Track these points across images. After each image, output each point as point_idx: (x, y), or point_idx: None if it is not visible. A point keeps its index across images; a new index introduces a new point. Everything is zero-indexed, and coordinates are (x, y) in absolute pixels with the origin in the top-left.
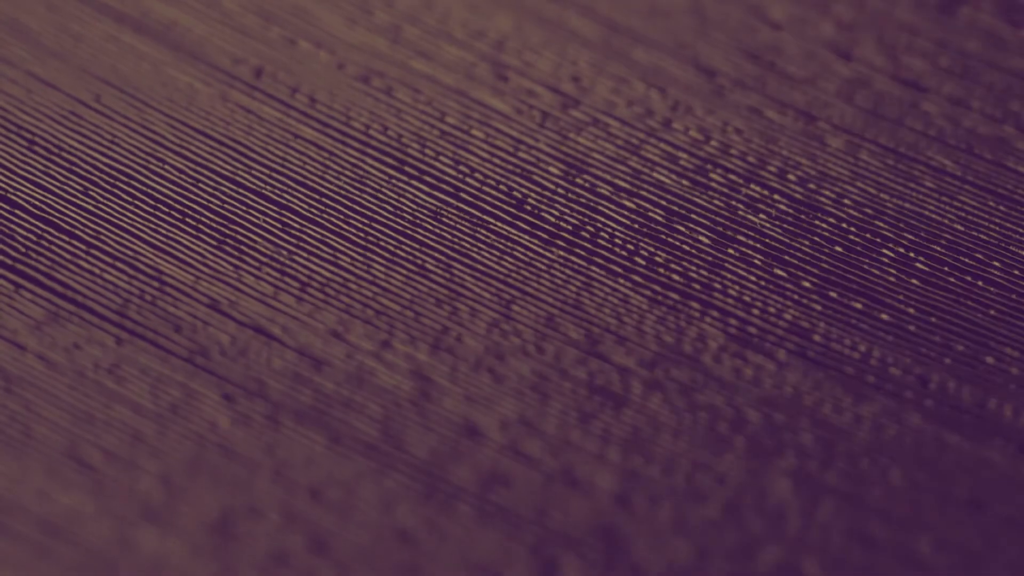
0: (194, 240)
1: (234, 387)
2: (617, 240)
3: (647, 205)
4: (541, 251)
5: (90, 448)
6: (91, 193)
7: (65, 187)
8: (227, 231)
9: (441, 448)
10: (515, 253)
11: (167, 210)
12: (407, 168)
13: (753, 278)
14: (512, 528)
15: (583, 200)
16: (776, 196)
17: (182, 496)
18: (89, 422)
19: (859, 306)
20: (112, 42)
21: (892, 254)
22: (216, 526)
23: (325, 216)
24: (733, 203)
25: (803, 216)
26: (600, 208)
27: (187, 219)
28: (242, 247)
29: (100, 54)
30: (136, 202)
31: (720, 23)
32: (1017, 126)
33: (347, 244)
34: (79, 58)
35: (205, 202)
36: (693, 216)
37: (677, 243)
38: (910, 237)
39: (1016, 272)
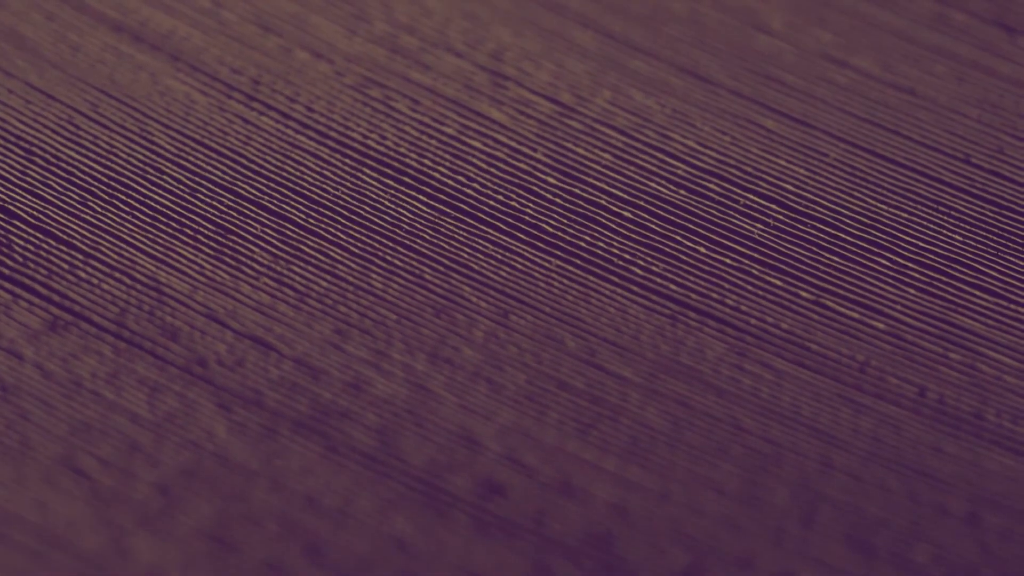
0: (192, 250)
1: (231, 396)
2: (614, 250)
3: (644, 215)
4: (539, 261)
5: (87, 457)
6: (89, 203)
7: (63, 197)
8: (225, 241)
9: (438, 457)
10: (513, 263)
11: (165, 220)
12: (405, 178)
13: (750, 288)
14: (509, 537)
15: (581, 210)
16: (773, 205)
17: (179, 505)
18: (86, 431)
19: (856, 315)
20: (110, 52)
21: (888, 263)
22: (213, 535)
23: (323, 226)
24: (730, 213)
25: (800, 225)
26: (597, 218)
27: (185, 229)
28: (240, 257)
29: (98, 64)
30: (134, 212)
31: (717, 32)
32: (1013, 134)
33: (345, 254)
34: (77, 68)
35: (203, 212)
36: (690, 226)
37: (674, 253)
38: (906, 246)
39: (1012, 281)
